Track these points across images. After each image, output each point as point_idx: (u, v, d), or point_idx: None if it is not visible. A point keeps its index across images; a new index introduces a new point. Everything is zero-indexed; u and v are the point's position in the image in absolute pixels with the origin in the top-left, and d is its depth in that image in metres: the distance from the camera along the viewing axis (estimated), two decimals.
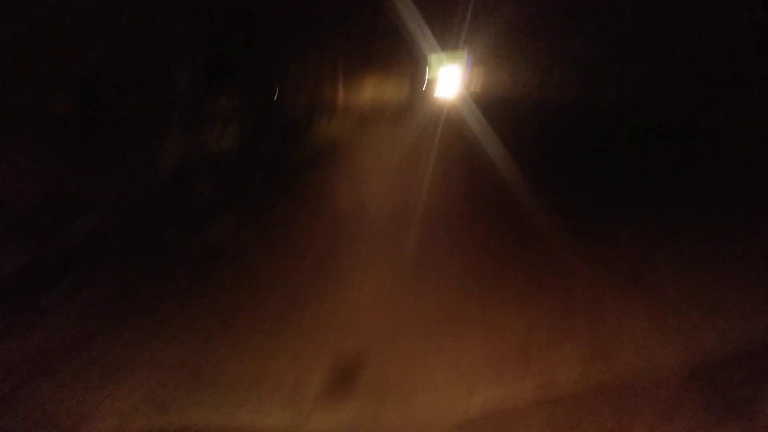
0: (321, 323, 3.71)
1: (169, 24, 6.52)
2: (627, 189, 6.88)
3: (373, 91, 14.80)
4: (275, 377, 3.04)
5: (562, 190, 7.17)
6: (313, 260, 5.38)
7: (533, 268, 4.23)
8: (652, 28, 8.37)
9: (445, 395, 2.65)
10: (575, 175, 8.27)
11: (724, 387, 2.37)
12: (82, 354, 3.55)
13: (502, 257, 4.60)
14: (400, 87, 16.28)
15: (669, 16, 8.42)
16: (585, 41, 9.39)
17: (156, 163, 6.69)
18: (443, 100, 18.01)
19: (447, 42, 13.57)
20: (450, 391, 2.68)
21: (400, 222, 6.45)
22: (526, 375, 2.69)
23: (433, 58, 16.22)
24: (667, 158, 8.00)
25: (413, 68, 16.32)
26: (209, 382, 3.10)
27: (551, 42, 10.04)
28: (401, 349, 3.17)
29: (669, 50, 8.52)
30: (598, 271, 3.95)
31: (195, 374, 3.19)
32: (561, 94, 9.91)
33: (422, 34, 12.19)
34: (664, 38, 8.21)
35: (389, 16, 10.14)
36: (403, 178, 9.97)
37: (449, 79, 18.83)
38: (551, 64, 10.29)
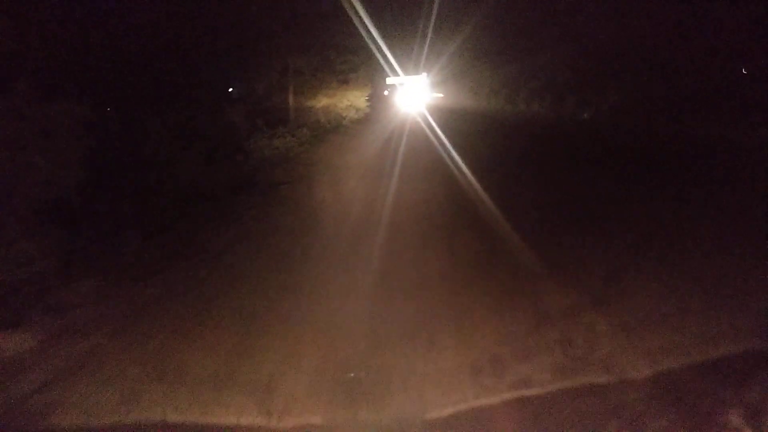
0: (297, 325, 3.75)
1: None
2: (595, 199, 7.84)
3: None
4: (249, 375, 3.09)
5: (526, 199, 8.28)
6: (291, 265, 5.46)
7: (508, 279, 4.40)
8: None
9: (419, 395, 2.75)
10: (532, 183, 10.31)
11: (690, 395, 2.51)
12: (54, 347, 3.56)
13: (478, 268, 4.81)
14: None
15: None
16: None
17: None
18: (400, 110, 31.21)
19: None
20: (424, 391, 2.78)
21: (374, 227, 6.65)
22: (500, 378, 2.83)
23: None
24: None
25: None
26: (182, 378, 3.12)
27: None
28: (377, 351, 3.26)
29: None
30: (571, 284, 4.14)
31: (168, 370, 3.20)
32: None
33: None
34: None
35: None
36: (371, 180, 11.10)
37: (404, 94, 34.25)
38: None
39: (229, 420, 2.74)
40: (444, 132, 20.31)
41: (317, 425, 2.64)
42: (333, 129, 21.08)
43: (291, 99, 21.16)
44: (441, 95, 38.68)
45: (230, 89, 21.45)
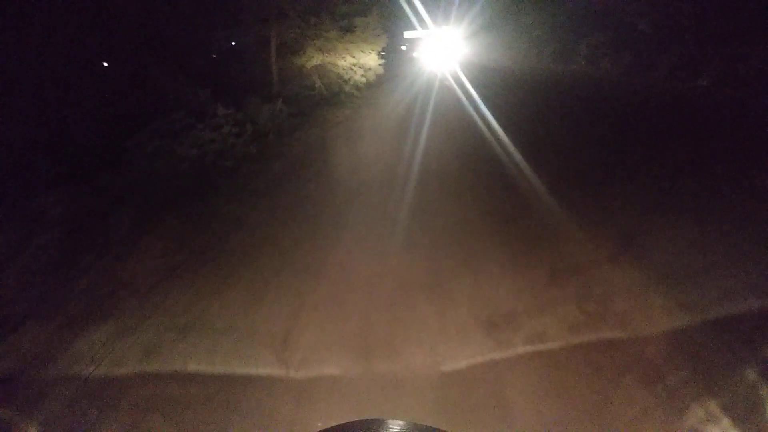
0: (312, 278, 4.00)
1: None
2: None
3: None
4: (266, 327, 3.38)
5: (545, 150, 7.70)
6: (306, 219, 5.64)
7: (525, 232, 4.48)
8: None
9: (433, 348, 2.91)
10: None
11: (710, 350, 2.57)
12: (73, 297, 3.94)
13: (496, 220, 4.85)
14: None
15: None
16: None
17: None
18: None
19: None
20: (438, 343, 2.93)
21: (392, 178, 6.79)
22: (515, 331, 2.91)
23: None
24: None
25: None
26: (200, 329, 3.44)
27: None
28: (391, 304, 3.47)
29: None
30: (590, 235, 4.15)
31: (187, 322, 3.50)
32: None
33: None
34: None
35: None
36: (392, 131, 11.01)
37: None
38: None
39: (248, 370, 2.89)
40: (486, 105, 14.11)
41: (334, 376, 2.76)
42: (329, 99, 14.87)
43: (273, 55, 14.92)
44: (473, 51, 31.57)
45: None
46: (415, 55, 35.76)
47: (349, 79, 16.13)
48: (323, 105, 14.47)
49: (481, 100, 15.28)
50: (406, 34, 37.55)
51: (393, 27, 33.88)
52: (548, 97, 15.02)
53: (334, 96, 15.44)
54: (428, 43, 31.72)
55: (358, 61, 16.46)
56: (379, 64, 18.99)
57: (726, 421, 2.25)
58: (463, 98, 15.84)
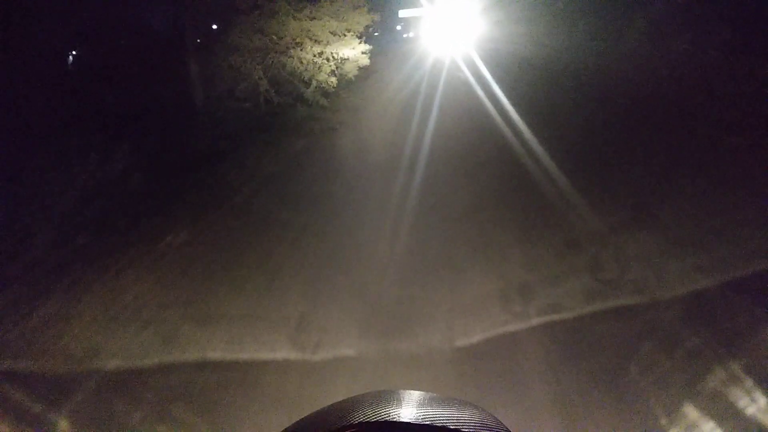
0: (327, 259, 3.86)
1: None
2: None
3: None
4: (281, 312, 3.35)
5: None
6: (323, 199, 5.47)
7: (537, 203, 4.35)
8: None
9: (447, 323, 2.93)
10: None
11: (725, 317, 2.48)
12: (93, 291, 3.87)
13: (507, 192, 4.69)
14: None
15: None
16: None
17: None
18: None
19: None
20: (453, 319, 2.96)
21: (403, 157, 6.48)
22: (529, 304, 2.89)
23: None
24: None
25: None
26: (217, 317, 3.43)
27: None
28: (405, 281, 3.46)
29: None
30: (604, 203, 4.06)
31: (203, 310, 3.50)
32: None
33: None
34: None
35: None
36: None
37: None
38: None
39: (265, 355, 2.89)
40: (522, 112, 9.31)
41: (350, 357, 2.77)
42: (275, 116, 9.19)
43: (189, 46, 9.21)
44: (489, 30, 25.32)
45: None
46: (413, 35, 29.63)
47: (311, 79, 10.29)
48: (262, 129, 8.74)
49: (512, 104, 9.58)
50: (402, 13, 31.55)
51: (384, 2, 28.06)
52: (607, 97, 9.59)
53: (286, 110, 9.67)
54: (432, 20, 25.66)
55: (327, 49, 10.59)
56: (363, 52, 13.11)
57: (748, 383, 2.06)
58: (487, 102, 10.12)
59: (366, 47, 13.40)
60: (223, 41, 9.61)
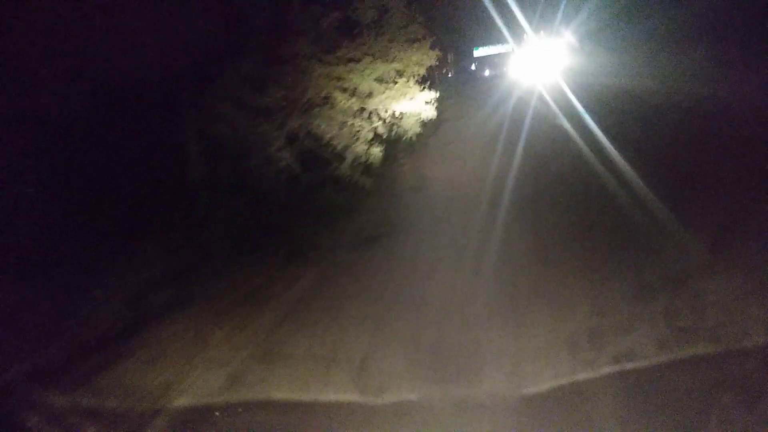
0: (391, 303, 3.69)
1: None
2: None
3: None
4: (345, 353, 3.15)
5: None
6: (393, 247, 5.15)
7: (605, 245, 3.92)
8: None
9: (513, 370, 2.65)
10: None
11: None
12: (166, 331, 3.71)
13: (575, 235, 4.25)
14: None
15: None
16: None
17: None
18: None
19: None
20: (519, 366, 2.67)
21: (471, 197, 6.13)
22: (600, 351, 2.60)
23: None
24: None
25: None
26: (282, 358, 3.25)
27: None
28: (470, 327, 3.18)
29: None
30: (679, 242, 3.56)
31: (269, 351, 3.34)
32: None
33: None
34: None
35: None
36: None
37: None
38: None
39: (329, 397, 2.75)
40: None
41: (412, 401, 2.61)
42: (295, 210, 6.16)
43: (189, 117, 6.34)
44: (588, 66, 21.18)
45: None
46: (491, 73, 26.13)
47: (345, 150, 6.94)
48: (252, 245, 5.40)
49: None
50: (479, 52, 28.28)
51: (458, 40, 24.95)
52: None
53: (312, 194, 6.37)
54: (515, 56, 22.14)
55: (370, 103, 7.28)
56: (427, 102, 9.74)
57: None
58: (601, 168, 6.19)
59: (431, 95, 10.00)
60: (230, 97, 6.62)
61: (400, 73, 8.02)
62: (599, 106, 10.45)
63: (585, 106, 10.64)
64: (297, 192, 6.81)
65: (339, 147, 6.94)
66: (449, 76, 24.98)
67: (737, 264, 3.25)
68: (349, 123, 7.00)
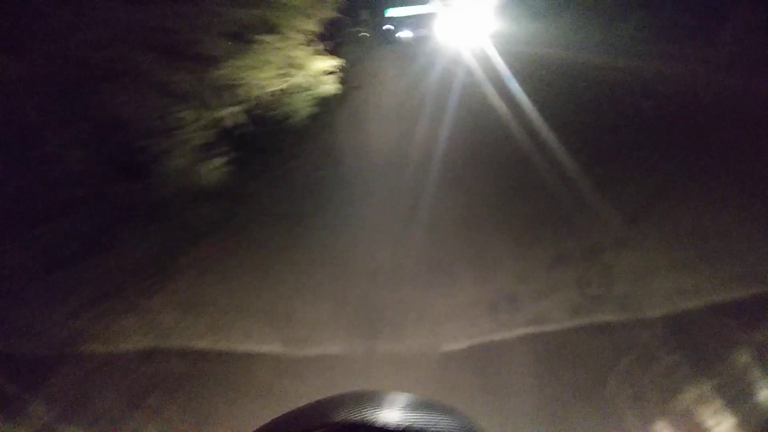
0: (318, 257, 3.51)
1: None
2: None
3: None
4: (269, 306, 2.99)
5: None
6: (313, 195, 4.77)
7: (531, 214, 3.88)
8: None
9: (435, 328, 2.67)
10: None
11: (704, 335, 2.32)
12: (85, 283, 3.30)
13: (501, 202, 4.19)
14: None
15: None
16: None
17: None
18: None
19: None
20: (440, 324, 2.69)
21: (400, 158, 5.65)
22: (516, 314, 2.66)
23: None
24: None
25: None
26: (205, 308, 3.02)
27: None
28: (394, 285, 3.11)
29: None
30: (592, 216, 3.61)
31: (191, 301, 3.11)
32: None
33: None
34: None
35: None
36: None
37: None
38: None
39: (250, 347, 2.65)
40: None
41: (336, 355, 2.61)
42: None
43: None
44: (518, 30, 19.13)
45: None
46: (408, 35, 23.35)
47: (169, 159, 3.98)
48: None
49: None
50: (392, 12, 25.29)
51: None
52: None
53: None
54: (440, 18, 19.70)
55: (223, 73, 4.32)
56: (327, 72, 6.99)
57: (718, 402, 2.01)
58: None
59: (332, 62, 7.24)
60: None
61: (271, 27, 5.10)
62: (537, 84, 8.54)
63: (521, 83, 8.62)
64: None
65: (154, 153, 3.93)
66: (366, 35, 22.15)
67: (648, 239, 3.27)
68: (172, 110, 4.01)
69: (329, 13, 6.59)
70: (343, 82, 7.73)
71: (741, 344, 2.23)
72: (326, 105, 7.46)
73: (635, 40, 12.94)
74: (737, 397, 1.99)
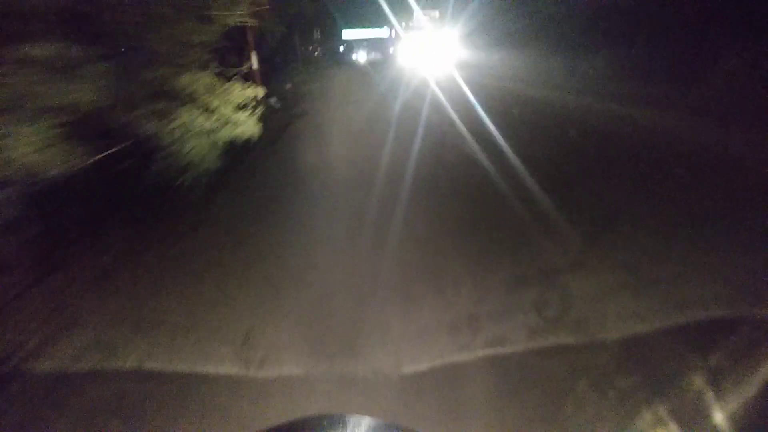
0: (276, 276, 3.25)
1: None
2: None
3: None
4: (226, 326, 2.79)
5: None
6: (270, 209, 4.37)
7: (489, 235, 3.73)
8: None
9: (396, 349, 2.59)
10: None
11: (662, 356, 2.39)
12: (30, 296, 3.20)
13: (461, 224, 3.99)
14: None
15: None
16: None
17: None
18: None
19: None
20: (401, 346, 2.61)
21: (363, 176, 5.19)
22: (476, 336, 2.62)
23: None
24: None
25: None
26: (160, 328, 2.84)
27: None
28: (355, 305, 2.95)
29: None
30: (554, 239, 3.55)
31: (145, 319, 2.94)
32: None
33: None
34: None
35: None
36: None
37: None
38: None
39: (208, 369, 2.46)
40: None
41: (296, 376, 2.44)
42: None
43: None
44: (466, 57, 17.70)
45: None
46: (363, 58, 21.68)
47: None
48: None
49: None
50: (348, 34, 23.43)
51: (323, 14, 19.87)
52: None
53: None
54: (400, 43, 18.12)
55: None
56: (244, 105, 4.70)
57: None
58: None
59: (251, 92, 5.06)
60: None
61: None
62: (509, 123, 7.16)
63: (494, 121, 7.15)
64: None
65: None
66: (315, 54, 20.51)
67: (605, 261, 3.24)
68: None
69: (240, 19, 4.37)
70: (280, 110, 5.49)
71: (695, 368, 2.28)
72: (244, 152, 5.18)
73: (605, 79, 11.82)
74: (693, 420, 2.07)
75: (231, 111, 4.57)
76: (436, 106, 9.08)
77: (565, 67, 14.11)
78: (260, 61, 7.44)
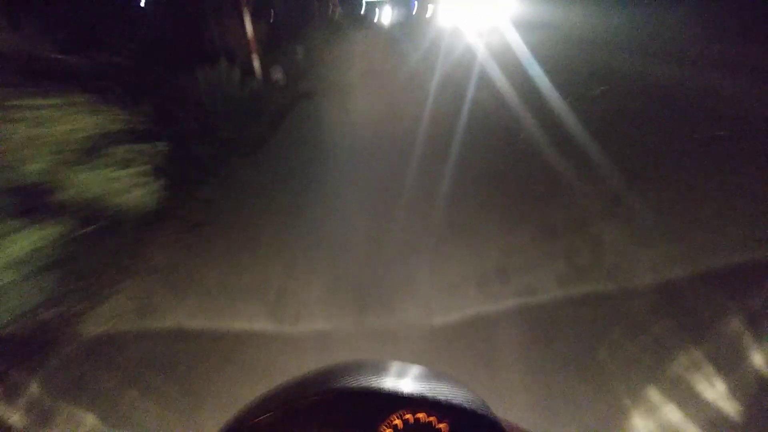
0: (308, 238, 3.45)
1: None
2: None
3: None
4: (260, 285, 2.95)
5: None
6: (307, 180, 4.58)
7: (518, 191, 3.81)
8: None
9: (425, 303, 2.61)
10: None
11: (693, 305, 2.34)
12: (72, 260, 3.26)
13: (489, 180, 4.07)
14: None
15: None
16: None
17: None
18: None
19: None
20: (431, 299, 2.62)
21: (395, 135, 5.39)
22: (505, 287, 2.64)
23: None
24: None
25: None
26: (195, 288, 3.03)
27: None
28: (385, 260, 3.06)
29: None
30: (582, 192, 3.60)
31: (182, 281, 3.13)
32: None
33: None
34: None
35: None
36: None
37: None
38: None
39: (242, 326, 2.62)
40: None
41: (327, 331, 2.51)
42: None
43: None
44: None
45: None
46: (390, 18, 19.74)
47: None
48: None
49: None
50: None
51: None
52: None
53: None
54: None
55: None
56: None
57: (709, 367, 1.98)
58: None
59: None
60: None
61: None
62: (598, 112, 5.38)
63: (574, 107, 5.59)
64: None
65: None
66: (335, 15, 17.71)
67: (635, 212, 3.23)
68: None
69: None
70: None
71: (730, 312, 2.21)
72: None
73: (700, 39, 8.70)
74: (728, 363, 1.99)
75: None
76: (487, 89, 6.90)
77: (642, 22, 11.87)
78: (268, 23, 6.83)
